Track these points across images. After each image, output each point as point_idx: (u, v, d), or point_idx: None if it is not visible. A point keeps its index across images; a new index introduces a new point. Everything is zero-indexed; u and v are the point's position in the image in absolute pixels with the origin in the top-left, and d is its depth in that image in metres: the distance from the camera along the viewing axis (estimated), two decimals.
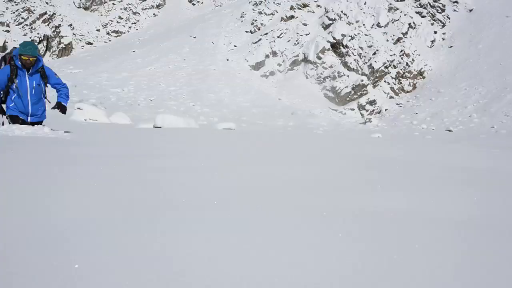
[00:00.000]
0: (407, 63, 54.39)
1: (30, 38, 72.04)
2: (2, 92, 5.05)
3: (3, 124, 4.94)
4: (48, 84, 5.23)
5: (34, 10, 71.66)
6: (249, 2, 63.95)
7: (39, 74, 5.04)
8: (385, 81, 53.83)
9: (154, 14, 77.07)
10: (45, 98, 5.31)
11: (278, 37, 58.17)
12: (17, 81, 4.86)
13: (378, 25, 58.49)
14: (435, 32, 58.10)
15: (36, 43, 68.36)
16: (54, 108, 5.18)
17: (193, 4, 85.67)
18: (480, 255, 0.96)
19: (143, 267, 0.84)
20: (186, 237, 1.05)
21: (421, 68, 53.77)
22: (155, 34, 63.65)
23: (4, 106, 5.08)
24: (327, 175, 2.46)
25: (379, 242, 1.03)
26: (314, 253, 0.93)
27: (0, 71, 4.89)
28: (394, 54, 55.10)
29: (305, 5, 61.60)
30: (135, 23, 75.97)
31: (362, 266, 0.85)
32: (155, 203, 1.40)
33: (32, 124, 5.05)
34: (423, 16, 59.47)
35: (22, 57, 4.83)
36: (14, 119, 5.02)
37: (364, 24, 58.21)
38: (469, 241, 1.12)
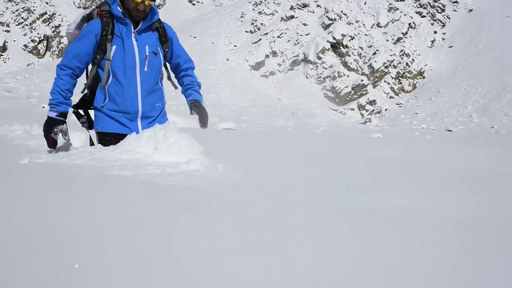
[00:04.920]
0: (407, 63, 54.36)
1: (30, 38, 72.01)
2: (82, 81, 2.72)
3: (92, 144, 2.78)
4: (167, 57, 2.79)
5: (34, 10, 71.66)
6: (249, 2, 63.89)
7: (156, 34, 2.67)
8: (385, 81, 53.80)
9: None
10: (169, 80, 2.90)
11: (278, 37, 58.13)
12: (113, 48, 2.53)
13: (378, 25, 58.43)
14: (435, 32, 58.06)
15: (36, 43, 68.33)
16: (193, 113, 2.76)
17: (193, 4, 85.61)
18: (481, 255, 0.96)
19: (144, 267, 0.84)
20: (185, 237, 1.05)
21: (421, 68, 53.74)
22: None
23: (92, 111, 2.75)
24: (327, 175, 2.46)
25: (379, 242, 1.03)
26: (314, 252, 0.93)
27: (80, 38, 2.57)
28: (394, 54, 55.06)
29: (305, 5, 61.55)
30: None
31: (362, 266, 0.85)
32: (156, 203, 1.40)
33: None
34: (423, 16, 59.42)
35: None
36: (107, 140, 2.64)
37: (364, 24, 58.16)
38: (470, 241, 1.12)
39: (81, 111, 2.79)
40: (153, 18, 2.64)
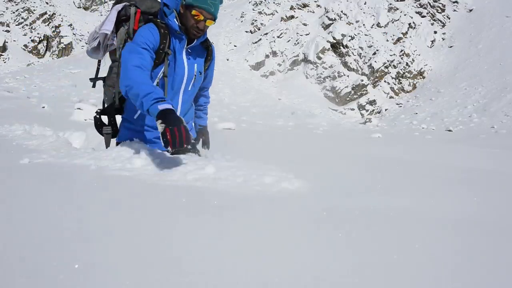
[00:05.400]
0: (407, 63, 54.39)
1: (30, 38, 72.01)
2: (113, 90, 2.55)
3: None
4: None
5: (34, 10, 71.69)
6: (249, 2, 63.94)
7: (205, 53, 2.58)
8: (385, 81, 53.84)
9: None
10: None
11: (278, 37, 58.17)
12: (167, 62, 2.38)
13: (378, 25, 58.47)
14: (435, 32, 58.10)
15: (36, 43, 68.34)
16: (198, 139, 2.82)
17: None
18: (481, 255, 0.96)
19: (144, 267, 0.84)
20: (185, 237, 1.05)
21: (421, 68, 53.78)
22: None
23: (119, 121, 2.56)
24: (327, 175, 2.47)
25: (379, 242, 1.03)
26: (314, 252, 0.93)
27: (148, 34, 2.33)
28: (394, 54, 55.10)
29: (305, 5, 61.58)
30: None
31: (362, 266, 0.85)
32: (155, 203, 1.40)
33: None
34: (423, 16, 59.46)
35: (193, 11, 2.32)
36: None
37: (364, 24, 58.20)
38: (470, 241, 1.12)
39: (103, 119, 2.57)
40: (204, 36, 2.48)
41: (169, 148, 1.87)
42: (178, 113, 2.33)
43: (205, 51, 2.57)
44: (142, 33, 2.33)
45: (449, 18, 58.82)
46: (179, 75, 2.43)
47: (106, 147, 2.53)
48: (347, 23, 57.39)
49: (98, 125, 2.57)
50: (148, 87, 2.06)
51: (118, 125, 2.57)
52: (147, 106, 2.01)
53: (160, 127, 1.91)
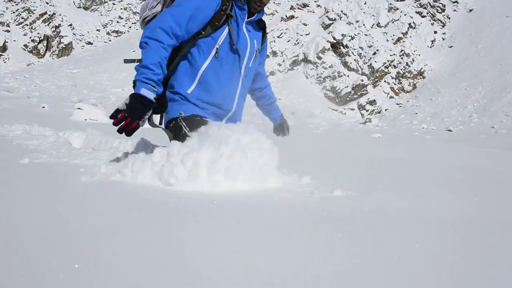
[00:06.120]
0: (407, 63, 54.40)
1: (30, 38, 72.06)
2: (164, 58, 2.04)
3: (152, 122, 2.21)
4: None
5: (34, 10, 71.71)
6: None
7: (261, 32, 2.36)
8: (385, 81, 53.84)
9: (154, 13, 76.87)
10: None
11: (278, 37, 58.18)
12: (232, 27, 2.12)
13: (378, 25, 58.47)
14: (435, 32, 58.11)
15: (36, 43, 68.35)
16: (279, 133, 2.74)
17: None
18: (481, 255, 0.96)
19: (143, 267, 0.84)
20: (185, 237, 1.05)
21: (421, 68, 53.78)
22: None
23: (171, 95, 2.19)
24: (326, 175, 2.46)
25: (379, 242, 1.03)
26: (314, 252, 0.93)
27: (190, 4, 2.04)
28: (394, 54, 55.11)
29: (305, 5, 61.57)
30: (135, 23, 75.99)
31: (362, 266, 0.85)
32: (155, 203, 1.40)
33: None
34: (423, 16, 59.47)
35: None
36: (194, 123, 2.07)
37: (364, 24, 58.21)
38: (470, 241, 1.12)
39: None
40: (262, 13, 2.28)
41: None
42: (237, 93, 2.25)
43: (261, 31, 2.35)
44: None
45: (449, 18, 58.83)
46: (242, 47, 2.19)
47: (150, 122, 2.21)
48: (347, 23, 57.40)
49: None
50: (153, 59, 1.93)
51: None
52: (137, 77, 1.94)
53: (122, 105, 1.89)
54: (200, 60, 2.13)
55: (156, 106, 2.03)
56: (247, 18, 2.20)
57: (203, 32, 2.09)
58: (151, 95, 1.92)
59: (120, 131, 1.89)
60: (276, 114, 2.74)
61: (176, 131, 2.12)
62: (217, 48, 2.11)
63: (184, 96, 2.16)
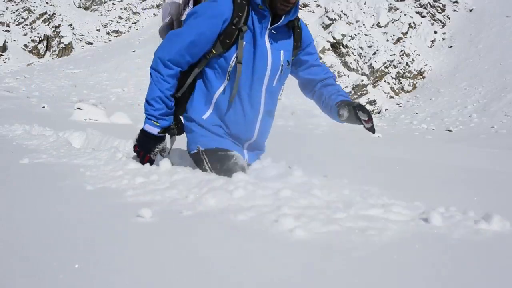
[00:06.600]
0: (407, 63, 54.39)
1: (30, 38, 72.00)
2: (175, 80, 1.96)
3: (166, 152, 2.11)
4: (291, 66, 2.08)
5: (34, 10, 71.70)
6: None
7: (291, 35, 2.00)
8: (385, 81, 53.83)
9: (154, 14, 77.07)
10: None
11: None
12: (243, 46, 1.84)
13: (378, 25, 58.46)
14: (435, 32, 58.09)
15: (36, 43, 68.36)
16: (366, 126, 1.91)
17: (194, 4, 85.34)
18: (481, 255, 0.96)
19: (143, 267, 0.84)
20: (185, 237, 1.05)
21: (421, 68, 53.77)
22: (156, 34, 63.41)
23: (185, 119, 2.07)
24: (326, 175, 2.46)
25: (379, 242, 1.03)
26: (314, 252, 0.93)
27: (201, 19, 1.85)
28: (394, 54, 55.10)
29: (305, 5, 61.54)
30: (135, 23, 76.01)
31: (362, 266, 0.85)
32: (162, 206, 1.40)
33: None
34: (423, 16, 59.45)
35: None
36: (216, 158, 1.93)
37: (364, 24, 58.19)
38: (470, 241, 1.12)
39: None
40: (295, 13, 1.90)
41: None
42: (259, 118, 1.98)
43: (291, 33, 1.97)
44: (202, 10, 1.84)
45: (449, 18, 58.84)
46: (261, 66, 1.88)
47: (170, 148, 2.16)
48: (347, 23, 57.40)
49: None
50: (154, 95, 1.90)
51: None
52: (145, 111, 1.96)
53: (135, 139, 2.05)
54: (215, 84, 1.93)
55: (164, 138, 2.05)
56: (272, 25, 1.86)
57: (214, 52, 1.87)
58: (154, 130, 1.95)
59: (141, 163, 1.97)
60: (337, 100, 2.07)
61: (198, 164, 2.00)
62: (229, 72, 1.87)
63: (200, 124, 1.98)
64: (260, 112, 1.99)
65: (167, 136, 2.10)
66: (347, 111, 1.90)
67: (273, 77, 1.94)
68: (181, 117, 2.11)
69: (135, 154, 2.05)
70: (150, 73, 1.93)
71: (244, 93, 1.92)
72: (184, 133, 2.09)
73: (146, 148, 1.99)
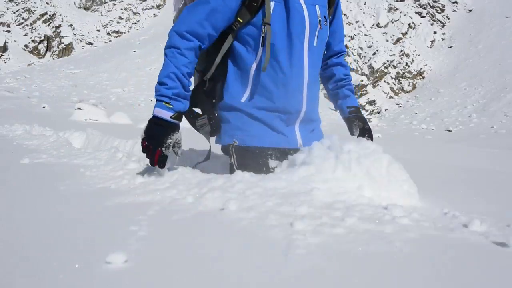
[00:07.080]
0: (406, 63, 54.40)
1: (31, 38, 72.02)
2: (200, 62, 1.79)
3: (207, 159, 1.94)
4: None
5: (35, 10, 71.72)
6: None
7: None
8: (384, 81, 53.83)
9: (154, 14, 77.13)
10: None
11: None
12: (271, 4, 1.62)
13: (378, 25, 58.47)
14: (435, 32, 58.10)
15: (37, 44, 68.37)
16: (359, 134, 2.03)
17: None
18: (481, 255, 0.96)
19: (143, 267, 0.84)
20: (185, 237, 1.05)
21: (421, 68, 53.78)
22: (156, 34, 63.58)
23: (221, 107, 1.82)
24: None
25: (378, 242, 1.03)
26: (313, 253, 0.93)
27: None
28: (394, 54, 55.11)
29: None
30: (135, 23, 76.04)
31: (362, 266, 0.85)
32: (162, 205, 1.40)
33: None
34: (422, 16, 59.47)
35: None
36: (246, 158, 1.74)
37: (363, 24, 58.21)
38: (469, 241, 1.12)
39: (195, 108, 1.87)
40: None
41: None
42: (305, 85, 1.75)
43: None
44: None
45: (448, 18, 58.86)
46: (296, 21, 1.65)
47: (208, 154, 1.90)
48: (347, 23, 57.40)
49: (191, 118, 1.85)
50: (167, 72, 1.60)
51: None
52: (156, 92, 1.62)
53: (142, 133, 1.62)
54: (249, 58, 1.70)
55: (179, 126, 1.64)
56: None
57: (240, 20, 1.64)
58: (166, 114, 1.58)
59: (151, 163, 1.59)
60: (346, 104, 2.05)
61: (227, 154, 1.81)
62: (263, 38, 1.63)
63: (239, 109, 1.75)
64: (304, 76, 1.75)
65: (202, 136, 1.85)
66: (358, 132, 2.02)
67: (313, 34, 1.72)
68: (215, 113, 1.82)
69: (144, 154, 1.61)
70: (165, 52, 1.66)
71: (282, 58, 1.69)
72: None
73: (156, 140, 1.56)
